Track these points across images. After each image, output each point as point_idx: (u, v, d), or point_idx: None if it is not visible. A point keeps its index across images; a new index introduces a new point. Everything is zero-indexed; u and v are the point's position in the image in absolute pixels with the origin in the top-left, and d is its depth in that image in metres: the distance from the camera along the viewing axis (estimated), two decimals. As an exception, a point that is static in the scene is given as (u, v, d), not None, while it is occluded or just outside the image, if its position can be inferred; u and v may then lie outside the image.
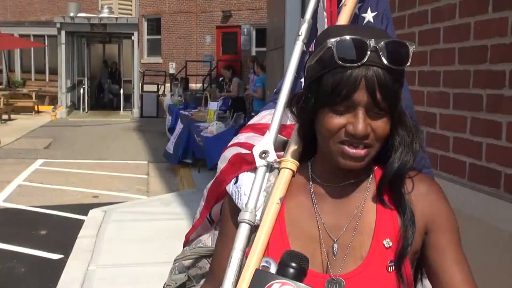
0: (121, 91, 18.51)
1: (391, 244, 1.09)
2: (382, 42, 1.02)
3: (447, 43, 2.80)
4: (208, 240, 1.47)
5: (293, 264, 1.01)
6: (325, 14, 1.40)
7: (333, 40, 1.04)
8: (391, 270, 1.08)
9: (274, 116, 1.26)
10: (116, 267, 4.79)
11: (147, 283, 4.36)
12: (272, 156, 1.19)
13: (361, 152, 1.05)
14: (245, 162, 1.23)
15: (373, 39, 1.03)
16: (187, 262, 1.46)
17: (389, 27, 1.43)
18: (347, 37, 1.03)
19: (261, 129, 1.38)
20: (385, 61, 1.02)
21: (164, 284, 1.48)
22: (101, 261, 4.92)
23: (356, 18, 1.40)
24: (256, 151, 1.21)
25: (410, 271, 1.11)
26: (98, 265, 4.80)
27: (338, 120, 1.04)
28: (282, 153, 1.24)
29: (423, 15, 3.01)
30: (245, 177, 1.20)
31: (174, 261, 1.50)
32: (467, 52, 2.63)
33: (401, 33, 3.22)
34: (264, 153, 1.20)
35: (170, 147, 9.65)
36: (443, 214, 1.13)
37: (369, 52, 1.02)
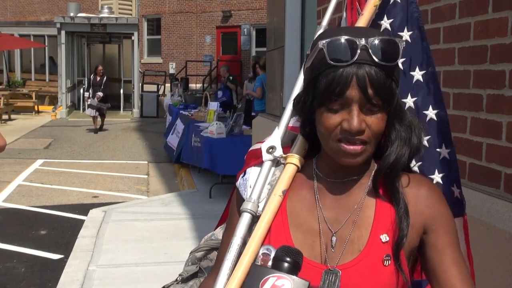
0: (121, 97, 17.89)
1: (388, 239, 1.12)
2: (372, 40, 1.06)
3: (447, 43, 2.80)
4: (220, 233, 1.53)
5: (288, 259, 1.05)
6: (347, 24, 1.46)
7: (324, 41, 1.08)
8: (387, 264, 1.11)
9: (283, 114, 1.34)
10: (116, 267, 4.80)
11: (147, 283, 4.37)
12: (279, 151, 1.25)
13: (357, 148, 1.08)
14: (253, 157, 1.29)
15: (363, 38, 1.07)
16: (199, 254, 1.54)
17: (424, 44, 1.49)
18: (338, 37, 1.08)
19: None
20: (375, 58, 1.06)
21: (179, 275, 1.55)
22: (101, 261, 4.92)
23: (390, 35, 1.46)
24: (264, 147, 1.27)
25: (406, 267, 1.14)
26: (98, 265, 4.81)
27: (334, 119, 1.08)
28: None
29: (423, 15, 3.00)
30: (252, 171, 1.27)
31: (189, 253, 1.57)
32: (467, 52, 2.63)
33: (401, 33, 3.22)
34: (271, 148, 1.26)
35: (172, 142, 9.70)
36: (443, 216, 1.17)
37: (359, 51, 1.05)
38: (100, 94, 13.53)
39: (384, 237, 1.12)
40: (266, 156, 1.25)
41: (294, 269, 1.04)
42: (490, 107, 2.46)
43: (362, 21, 1.37)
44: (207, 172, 7.88)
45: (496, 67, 2.41)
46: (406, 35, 1.47)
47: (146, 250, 5.18)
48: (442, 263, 1.14)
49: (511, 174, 2.33)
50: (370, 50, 1.06)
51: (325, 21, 1.45)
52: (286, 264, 1.04)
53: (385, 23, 1.48)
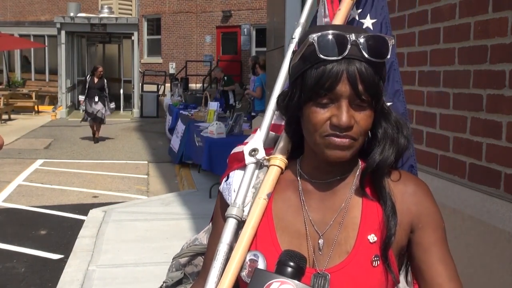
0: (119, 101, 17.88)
1: (376, 239, 1.11)
2: (362, 36, 1.06)
3: (447, 43, 2.80)
4: (203, 238, 1.49)
5: (292, 264, 1.03)
6: (328, 19, 1.42)
7: (314, 35, 1.07)
8: (376, 265, 1.09)
9: (265, 115, 1.30)
10: (116, 267, 4.80)
11: (147, 283, 4.37)
12: (261, 154, 1.23)
13: (345, 140, 1.07)
14: (236, 160, 1.27)
15: (353, 34, 1.06)
16: (183, 260, 1.50)
17: (388, 35, 1.46)
18: (328, 32, 1.07)
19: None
20: (365, 54, 1.05)
21: (163, 282, 1.51)
22: (101, 261, 4.92)
23: (355, 24, 1.43)
24: (246, 149, 1.24)
25: (396, 266, 1.12)
26: (98, 265, 4.81)
27: (322, 114, 1.07)
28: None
29: (423, 15, 3.01)
30: (235, 175, 1.24)
31: (172, 259, 1.53)
32: (467, 52, 2.63)
33: (401, 33, 3.22)
34: (253, 151, 1.23)
35: (175, 145, 9.72)
36: (429, 213, 1.15)
37: (349, 46, 1.05)
38: (112, 105, 12.14)
39: (372, 238, 1.10)
40: (248, 159, 1.23)
41: (298, 274, 1.03)
42: (490, 107, 2.46)
43: (340, 16, 1.34)
44: (207, 172, 7.88)
45: (496, 67, 2.41)
46: (368, 22, 1.45)
47: (146, 250, 5.18)
48: (429, 261, 1.12)
49: (511, 174, 2.33)
50: (360, 46, 1.05)
51: (302, 19, 1.42)
52: (289, 269, 1.03)
53: (354, 13, 1.45)
